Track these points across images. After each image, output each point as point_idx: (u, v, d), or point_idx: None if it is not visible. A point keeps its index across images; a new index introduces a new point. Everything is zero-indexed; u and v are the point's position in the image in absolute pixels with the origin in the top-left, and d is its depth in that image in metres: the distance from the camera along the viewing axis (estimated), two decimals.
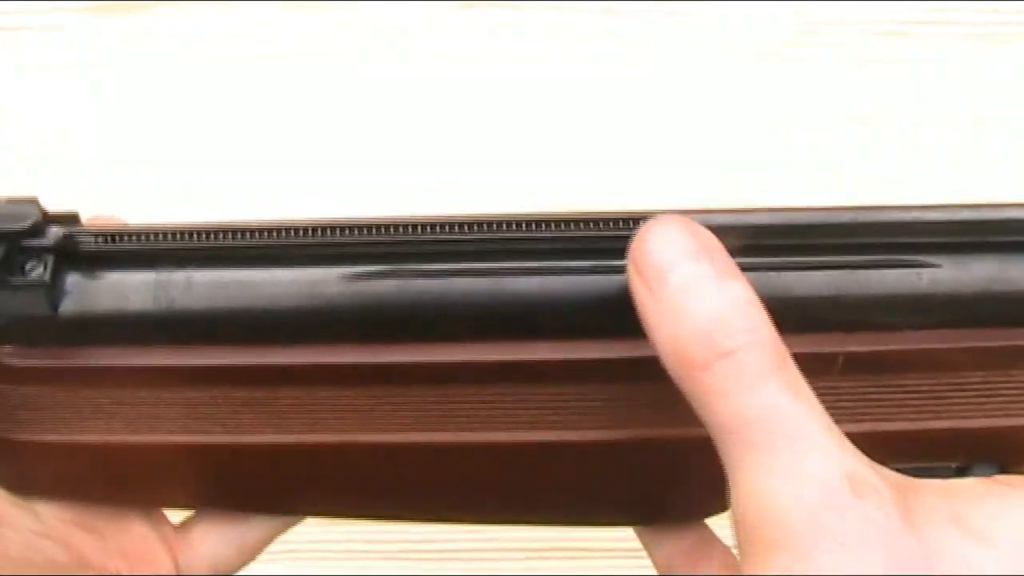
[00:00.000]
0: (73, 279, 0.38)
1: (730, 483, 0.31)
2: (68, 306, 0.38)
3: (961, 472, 0.39)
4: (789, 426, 0.30)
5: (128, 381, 0.38)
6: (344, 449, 0.39)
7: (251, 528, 0.44)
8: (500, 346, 0.37)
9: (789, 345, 0.33)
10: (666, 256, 0.32)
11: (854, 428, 0.33)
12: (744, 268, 0.35)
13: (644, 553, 0.57)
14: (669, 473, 0.40)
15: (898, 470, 0.33)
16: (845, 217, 0.37)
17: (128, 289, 0.38)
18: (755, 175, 0.64)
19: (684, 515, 0.42)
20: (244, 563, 0.45)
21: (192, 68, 0.66)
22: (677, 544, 0.43)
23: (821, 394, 0.33)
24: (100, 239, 0.38)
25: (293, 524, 0.44)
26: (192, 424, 0.39)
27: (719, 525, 0.42)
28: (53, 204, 0.54)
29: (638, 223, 0.35)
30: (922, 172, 0.65)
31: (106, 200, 0.63)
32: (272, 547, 0.66)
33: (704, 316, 0.31)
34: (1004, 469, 0.39)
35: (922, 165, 0.65)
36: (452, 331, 0.37)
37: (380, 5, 0.67)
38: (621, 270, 0.36)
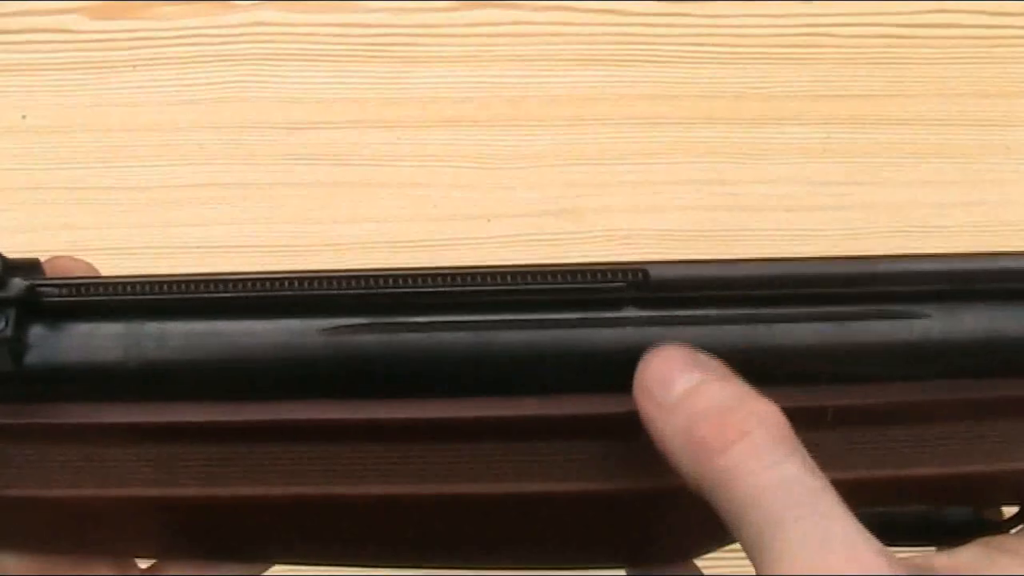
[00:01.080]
0: (37, 332, 0.36)
1: (756, 565, 0.31)
2: (32, 360, 0.36)
3: (932, 513, 0.39)
4: (811, 498, 0.31)
5: (97, 438, 0.36)
6: (323, 501, 0.38)
7: (221, 571, 0.42)
8: (485, 402, 0.36)
9: (778, 398, 0.33)
10: (669, 369, 0.34)
11: (838, 476, 0.33)
12: (732, 320, 0.36)
13: None
14: (660, 520, 0.39)
15: (871, 513, 0.33)
16: (834, 268, 0.36)
17: (96, 342, 0.36)
18: (756, 174, 0.64)
19: (674, 556, 0.41)
20: None
21: (192, 70, 0.66)
22: None
23: (808, 445, 0.33)
24: (65, 290, 0.36)
25: (267, 568, 0.43)
26: (164, 478, 0.37)
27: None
28: (54, 206, 0.54)
29: (627, 275, 0.35)
30: (922, 172, 0.65)
31: (102, 201, 0.63)
32: None
33: (714, 409, 0.32)
34: (977, 510, 0.39)
35: (922, 165, 0.65)
36: (436, 386, 0.36)
37: (381, 6, 0.68)
38: (611, 323, 0.36)
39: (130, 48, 0.66)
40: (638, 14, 0.68)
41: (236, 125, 0.65)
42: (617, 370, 0.35)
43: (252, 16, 0.67)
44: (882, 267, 0.36)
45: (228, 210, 0.63)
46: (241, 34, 0.67)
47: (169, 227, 0.62)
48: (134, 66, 0.66)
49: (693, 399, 0.33)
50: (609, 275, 0.36)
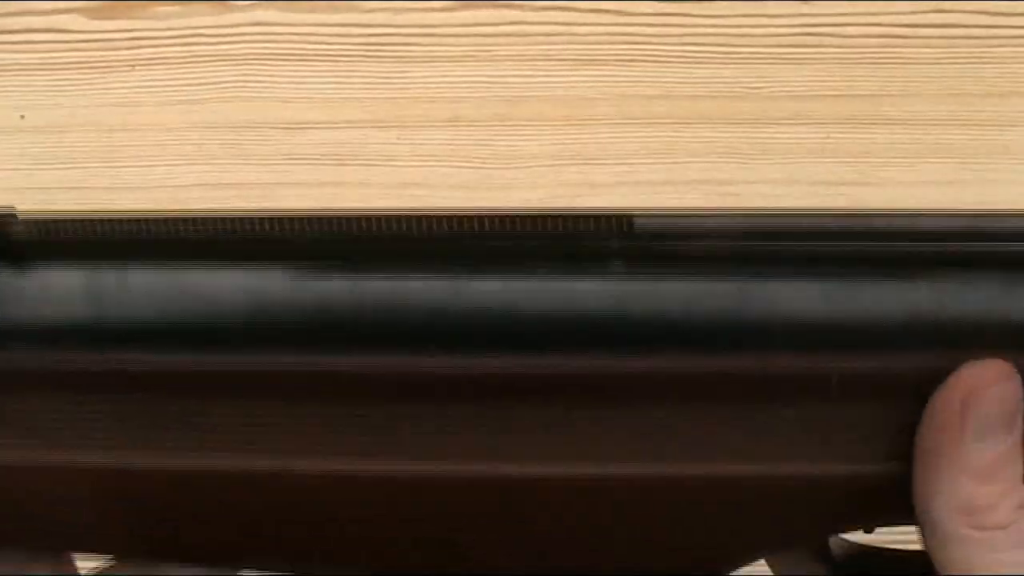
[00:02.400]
0: None
1: None
2: None
3: None
4: None
5: (46, 386, 0.35)
6: (281, 479, 0.35)
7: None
8: (454, 358, 0.34)
9: (777, 363, 0.33)
10: (1004, 411, 0.33)
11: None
12: (724, 275, 0.34)
13: None
14: (658, 518, 0.37)
15: None
16: (839, 224, 0.34)
17: (53, 284, 0.34)
18: (755, 174, 0.64)
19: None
20: None
21: (190, 70, 0.66)
22: None
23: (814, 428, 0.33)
24: (21, 228, 0.35)
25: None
26: (114, 441, 0.35)
27: None
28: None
29: (621, 222, 0.33)
30: (920, 172, 0.65)
31: (101, 201, 0.63)
32: None
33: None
34: None
35: (920, 165, 0.65)
36: (403, 338, 0.34)
37: (379, 6, 0.68)
38: (593, 274, 0.33)
39: (128, 48, 0.66)
40: (637, 14, 0.67)
41: (234, 125, 0.65)
42: (599, 325, 0.33)
43: (250, 16, 0.67)
44: (895, 224, 0.34)
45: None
46: (239, 34, 0.67)
47: None
48: (132, 66, 0.66)
49: (1011, 459, 0.33)
50: (592, 223, 0.33)
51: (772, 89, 0.66)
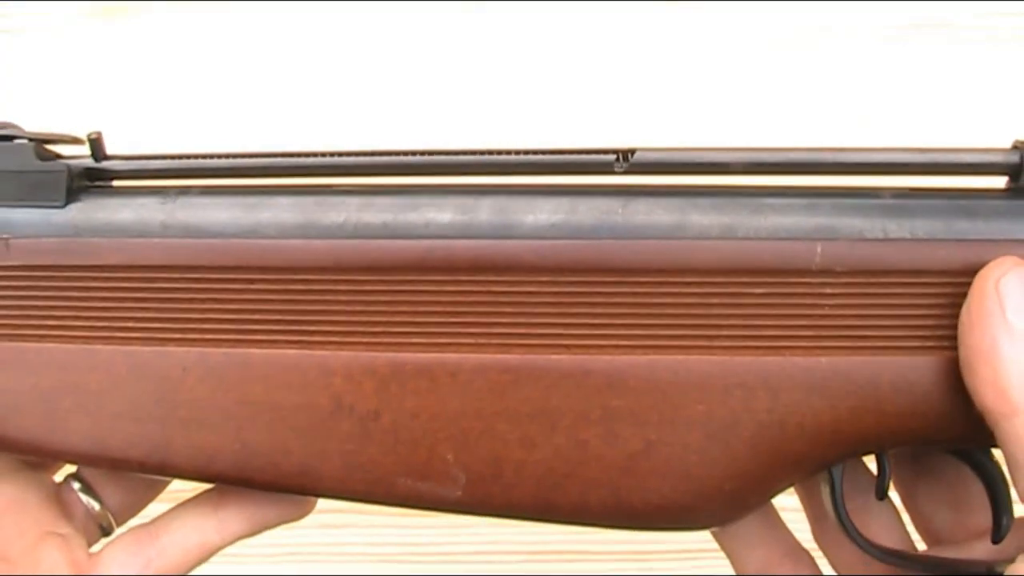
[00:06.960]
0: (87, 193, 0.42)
1: None
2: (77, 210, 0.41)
3: None
4: None
5: (118, 269, 0.40)
6: (307, 372, 0.40)
7: (162, 552, 0.43)
8: (480, 243, 0.40)
9: (762, 246, 0.39)
10: None
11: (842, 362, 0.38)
12: (717, 193, 0.40)
13: (642, 556, 0.56)
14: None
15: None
16: (823, 157, 0.40)
17: (132, 195, 0.42)
18: None
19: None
20: None
21: (191, 70, 0.66)
22: (770, 550, 0.44)
23: (805, 305, 0.38)
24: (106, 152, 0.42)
25: (210, 551, 0.43)
26: (159, 326, 0.40)
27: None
28: None
29: (625, 154, 0.39)
30: None
31: None
32: (274, 549, 0.66)
33: None
34: None
35: None
36: (424, 231, 0.40)
37: (383, 4, 0.67)
38: (595, 189, 0.40)
39: (127, 51, 0.66)
40: (639, 11, 0.67)
41: (235, 130, 0.65)
42: (601, 227, 0.40)
43: (253, 16, 0.67)
44: (857, 157, 0.40)
45: None
46: (242, 35, 0.66)
47: None
48: (131, 69, 0.66)
49: None
50: (600, 153, 0.40)
51: (775, 88, 0.66)
